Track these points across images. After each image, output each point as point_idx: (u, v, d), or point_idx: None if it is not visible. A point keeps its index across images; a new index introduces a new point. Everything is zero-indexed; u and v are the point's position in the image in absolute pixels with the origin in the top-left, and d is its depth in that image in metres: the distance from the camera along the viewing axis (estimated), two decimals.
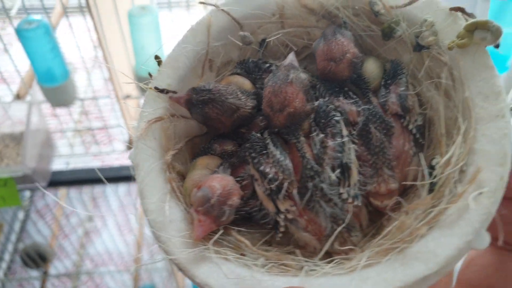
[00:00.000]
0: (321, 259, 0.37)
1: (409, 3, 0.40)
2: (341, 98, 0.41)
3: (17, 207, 1.95)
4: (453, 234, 0.33)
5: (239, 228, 0.40)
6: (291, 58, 0.41)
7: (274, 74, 0.40)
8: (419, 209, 0.36)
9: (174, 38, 0.45)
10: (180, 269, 0.37)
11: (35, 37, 1.35)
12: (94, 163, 2.01)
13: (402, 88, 0.40)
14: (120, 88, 1.48)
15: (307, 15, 0.45)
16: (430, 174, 0.37)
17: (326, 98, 0.41)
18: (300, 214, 0.38)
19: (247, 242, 0.38)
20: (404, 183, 0.39)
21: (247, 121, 0.43)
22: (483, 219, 0.33)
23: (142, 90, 0.44)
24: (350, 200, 0.37)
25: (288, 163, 0.38)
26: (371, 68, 0.43)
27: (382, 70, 0.43)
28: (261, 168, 0.38)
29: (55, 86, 1.47)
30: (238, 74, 0.46)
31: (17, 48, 1.49)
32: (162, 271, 1.91)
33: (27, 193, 2.01)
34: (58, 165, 1.84)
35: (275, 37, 0.46)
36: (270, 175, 0.38)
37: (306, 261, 0.37)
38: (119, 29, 1.39)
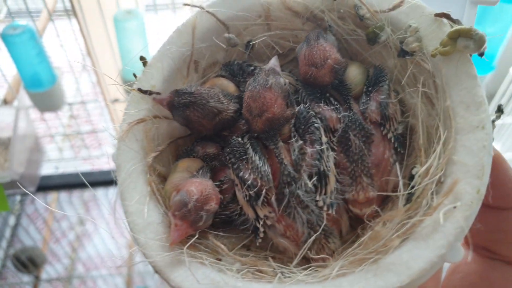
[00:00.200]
0: (299, 265, 0.37)
1: (393, 8, 0.40)
2: (321, 104, 0.41)
3: (7, 212, 1.94)
4: (427, 247, 0.33)
5: (217, 232, 0.40)
6: (273, 62, 0.41)
7: (254, 78, 0.39)
8: (394, 220, 0.36)
9: (160, 41, 0.45)
10: (156, 272, 0.37)
11: (21, 42, 1.35)
12: (83, 167, 2.00)
13: (383, 96, 0.40)
14: (108, 92, 1.48)
15: (292, 17, 0.45)
16: (409, 183, 0.37)
17: (307, 104, 0.41)
18: (278, 220, 0.38)
19: (223, 247, 0.38)
20: (380, 193, 0.39)
21: (229, 125, 0.43)
22: (458, 233, 0.32)
23: (129, 94, 0.44)
24: (325, 208, 0.37)
25: (266, 169, 0.38)
26: (354, 74, 0.42)
27: (366, 76, 0.42)
28: (241, 174, 0.38)
29: (42, 91, 1.47)
30: (222, 76, 0.45)
31: (2, 53, 1.49)
32: (155, 274, 1.90)
33: (18, 198, 2.00)
34: (47, 169, 1.83)
35: (260, 40, 0.46)
36: (249, 181, 0.38)
37: (281, 267, 0.37)
38: (106, 33, 1.39)
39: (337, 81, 0.41)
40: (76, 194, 2.07)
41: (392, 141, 0.39)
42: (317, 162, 0.37)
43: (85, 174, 1.81)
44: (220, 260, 0.38)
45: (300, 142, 0.38)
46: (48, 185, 1.74)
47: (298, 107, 0.40)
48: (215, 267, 0.36)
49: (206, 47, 0.45)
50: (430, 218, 0.33)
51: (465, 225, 0.33)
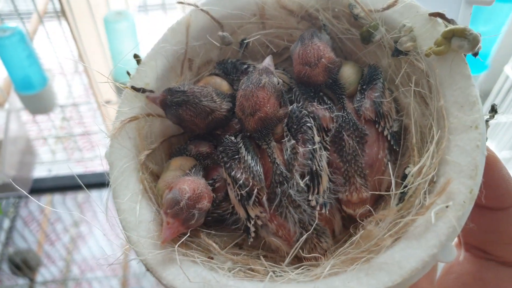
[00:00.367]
0: (291, 264, 0.37)
1: (388, 7, 0.40)
2: (315, 104, 0.41)
3: (1, 216, 1.94)
4: (419, 247, 0.33)
5: (209, 231, 0.40)
6: (267, 61, 0.41)
7: (248, 77, 0.39)
8: (387, 219, 0.35)
9: (152, 42, 0.45)
10: (148, 270, 0.37)
11: (10, 44, 1.34)
12: (77, 169, 1.99)
13: (377, 94, 0.40)
14: (100, 93, 1.47)
15: (287, 16, 0.45)
16: (402, 183, 0.37)
17: (300, 103, 0.41)
18: (270, 219, 0.38)
19: (215, 245, 0.38)
20: (373, 193, 0.39)
21: (222, 123, 0.43)
22: (450, 232, 0.32)
23: (121, 95, 0.44)
24: (318, 207, 0.37)
25: (258, 168, 0.38)
26: (348, 73, 0.42)
27: (360, 75, 0.42)
28: (233, 173, 0.38)
29: (33, 93, 1.46)
30: (216, 75, 0.45)
31: None
32: (151, 276, 1.90)
33: (12, 201, 1.99)
34: (40, 172, 1.82)
35: (255, 38, 0.46)
36: (241, 181, 0.38)
37: (273, 266, 0.37)
38: (96, 34, 1.38)
39: (331, 80, 0.41)
40: (69, 196, 2.07)
41: (389, 138, 0.39)
42: (309, 161, 0.37)
43: (79, 176, 1.80)
44: (212, 258, 0.38)
45: (293, 141, 0.38)
46: (41, 187, 1.73)
47: (291, 106, 0.40)
48: (206, 265, 0.36)
49: (200, 46, 0.45)
50: (422, 218, 0.33)
51: (458, 224, 0.32)
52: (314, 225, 0.37)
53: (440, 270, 0.46)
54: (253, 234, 0.38)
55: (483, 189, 0.34)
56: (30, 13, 1.60)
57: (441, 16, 0.37)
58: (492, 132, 1.39)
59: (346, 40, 0.44)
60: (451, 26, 0.36)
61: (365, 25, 0.41)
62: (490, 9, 1.11)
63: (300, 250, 0.38)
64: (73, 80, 1.89)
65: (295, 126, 0.39)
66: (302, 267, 0.37)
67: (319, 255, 0.38)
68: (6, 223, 1.99)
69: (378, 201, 0.40)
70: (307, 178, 0.37)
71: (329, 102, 0.41)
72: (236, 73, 0.45)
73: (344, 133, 0.39)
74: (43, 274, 1.95)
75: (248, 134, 0.39)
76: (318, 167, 0.37)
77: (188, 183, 0.37)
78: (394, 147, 0.40)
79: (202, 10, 0.44)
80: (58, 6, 1.38)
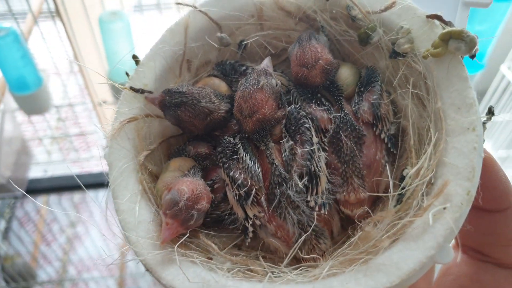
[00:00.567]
0: (289, 265, 0.37)
1: (385, 9, 0.40)
2: (313, 105, 0.41)
3: None
4: (417, 248, 0.33)
5: (208, 231, 0.40)
6: (266, 63, 0.41)
7: (246, 79, 0.39)
8: (385, 221, 0.36)
9: (147, 42, 0.45)
10: (147, 270, 0.37)
11: (4, 45, 1.33)
12: (73, 170, 1.99)
13: (375, 96, 0.40)
14: (95, 94, 1.46)
15: (285, 17, 0.45)
16: (400, 184, 0.37)
17: (298, 104, 0.41)
18: (269, 220, 0.38)
19: (214, 246, 0.38)
20: (371, 194, 0.39)
21: (220, 125, 0.43)
22: (447, 234, 0.33)
23: (117, 96, 0.44)
24: (317, 208, 0.37)
25: (257, 169, 0.38)
26: (346, 75, 0.42)
27: (358, 76, 0.42)
28: (231, 173, 0.38)
29: (28, 94, 1.45)
30: (215, 76, 0.46)
31: None
32: (147, 276, 1.89)
33: (8, 202, 1.99)
34: (36, 172, 1.81)
35: (253, 39, 0.46)
36: (239, 181, 0.38)
37: (272, 267, 0.37)
38: (91, 35, 1.37)
39: (328, 81, 0.41)
40: (65, 197, 2.06)
41: (386, 141, 0.39)
42: (307, 162, 0.38)
43: (74, 177, 1.79)
44: (211, 259, 0.38)
45: (291, 142, 0.38)
46: (37, 188, 1.73)
47: (289, 107, 0.40)
48: (206, 266, 0.36)
49: (199, 47, 0.45)
50: (420, 219, 0.33)
51: (455, 226, 0.33)
52: (313, 226, 0.37)
53: (437, 272, 0.46)
54: (251, 234, 0.39)
55: (480, 191, 0.35)
56: (24, 13, 1.59)
57: (439, 18, 0.37)
58: (488, 131, 1.39)
59: (343, 41, 0.44)
60: (448, 28, 0.36)
61: (362, 27, 0.41)
62: (486, 9, 1.11)
63: (298, 251, 0.38)
64: (68, 80, 1.88)
65: (293, 127, 0.39)
66: (301, 268, 0.37)
67: (317, 256, 0.38)
68: (2, 224, 1.99)
69: (376, 203, 0.41)
70: (305, 179, 0.37)
71: (327, 103, 0.41)
72: (234, 74, 0.45)
73: (342, 133, 0.39)
74: (40, 274, 1.95)
75: (246, 135, 0.39)
76: (316, 168, 0.38)
77: (187, 184, 0.38)
78: (392, 150, 0.40)
79: (200, 11, 0.44)
80: (52, 6, 1.37)
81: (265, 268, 0.37)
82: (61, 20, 1.30)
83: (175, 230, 0.36)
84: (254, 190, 0.37)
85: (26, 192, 1.53)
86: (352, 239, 0.36)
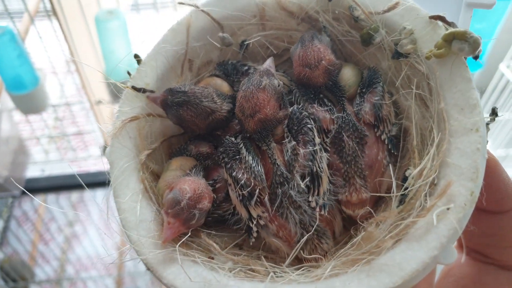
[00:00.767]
0: (291, 265, 0.37)
1: (388, 10, 0.40)
2: (315, 105, 0.41)
3: None
4: (420, 249, 0.33)
5: (209, 231, 0.40)
6: (268, 63, 0.41)
7: (249, 78, 0.39)
8: (387, 221, 0.36)
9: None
10: (149, 269, 0.37)
11: (1, 44, 1.33)
12: (70, 169, 1.99)
13: (377, 97, 0.40)
14: (92, 93, 1.46)
15: (287, 18, 0.45)
16: (403, 185, 0.37)
17: (301, 104, 0.41)
18: (271, 220, 0.38)
19: (215, 245, 0.38)
20: (373, 194, 0.39)
21: (222, 124, 0.43)
22: (451, 235, 0.32)
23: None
24: (317, 209, 0.37)
25: (260, 169, 0.38)
26: (348, 75, 0.42)
27: (360, 77, 0.42)
28: (234, 173, 0.38)
29: (25, 93, 1.44)
30: (216, 75, 0.46)
31: None
32: (146, 275, 1.89)
33: (8, 201, 1.98)
34: (33, 172, 1.81)
35: (255, 39, 0.46)
36: (242, 181, 0.38)
37: (274, 267, 0.37)
38: (88, 33, 1.37)
39: (330, 82, 0.41)
40: (63, 196, 2.06)
41: (386, 142, 0.39)
42: (309, 162, 0.37)
43: (72, 176, 1.79)
44: (212, 258, 0.38)
45: (293, 142, 0.38)
46: (34, 187, 1.72)
47: (292, 107, 0.40)
48: (207, 265, 0.36)
49: (201, 46, 0.45)
50: (423, 220, 0.33)
51: (459, 226, 0.33)
52: (315, 226, 0.37)
53: (438, 273, 0.46)
54: (255, 234, 0.39)
55: (484, 191, 0.34)
56: (21, 12, 1.59)
57: (442, 19, 0.37)
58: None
59: (346, 42, 0.44)
60: (451, 29, 0.36)
61: (365, 27, 0.41)
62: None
63: (300, 251, 0.38)
64: (65, 79, 1.87)
65: (295, 128, 0.39)
66: (303, 268, 0.37)
67: (319, 256, 0.38)
68: (0, 223, 1.98)
69: (378, 203, 0.41)
70: (307, 179, 0.37)
71: (329, 103, 0.41)
72: (236, 74, 0.45)
73: (344, 134, 0.39)
74: (38, 273, 1.95)
75: (248, 135, 0.39)
76: (318, 168, 0.38)
77: (188, 183, 0.38)
78: (392, 151, 0.40)
79: (202, 11, 0.44)
80: (49, 5, 1.36)
81: (267, 268, 0.37)
82: (58, 19, 1.29)
83: (176, 230, 0.36)
84: (257, 190, 0.37)
85: (23, 192, 1.53)
86: (355, 240, 0.36)
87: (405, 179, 0.37)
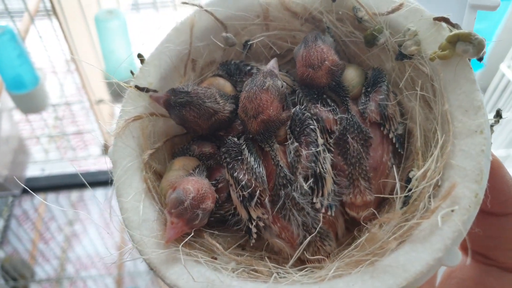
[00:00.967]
0: (294, 266, 0.37)
1: (392, 11, 0.40)
2: (318, 105, 0.41)
3: None
4: (424, 250, 0.32)
5: (212, 231, 0.40)
6: (272, 64, 0.41)
7: (252, 79, 0.39)
8: (391, 222, 0.35)
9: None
10: (151, 269, 0.37)
11: (1, 43, 1.32)
12: (70, 168, 1.99)
13: (382, 96, 0.40)
14: (92, 93, 1.46)
15: (291, 18, 0.45)
16: (406, 186, 0.37)
17: (304, 105, 0.41)
18: (273, 221, 0.38)
19: (218, 245, 0.38)
20: (377, 195, 0.39)
21: (225, 125, 0.43)
22: (455, 236, 0.32)
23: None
24: (323, 210, 0.37)
25: (261, 170, 0.38)
26: (352, 76, 0.42)
27: (363, 78, 0.42)
28: (235, 174, 0.38)
29: (25, 92, 1.44)
30: (220, 76, 0.45)
31: None
32: (145, 275, 1.89)
33: (8, 200, 1.99)
34: (34, 171, 1.81)
35: (258, 40, 0.46)
36: (243, 182, 0.37)
37: (277, 268, 0.37)
38: (88, 33, 1.37)
39: (334, 82, 0.41)
40: (63, 195, 2.06)
41: (394, 141, 0.39)
42: (312, 164, 0.37)
43: (72, 175, 1.79)
44: (215, 259, 0.38)
45: (296, 144, 0.38)
46: (34, 187, 1.72)
47: (294, 108, 0.40)
48: (210, 265, 0.36)
49: (204, 46, 0.45)
50: (427, 221, 0.33)
51: (463, 228, 0.32)
52: (317, 228, 0.37)
53: (440, 275, 0.46)
54: (255, 236, 0.38)
55: (488, 193, 0.34)
56: (21, 12, 1.58)
57: (446, 20, 0.37)
58: None
59: (349, 43, 0.44)
60: (456, 31, 0.36)
61: (369, 28, 0.41)
62: None
63: (303, 253, 0.38)
64: (65, 79, 1.87)
65: (298, 129, 0.39)
66: (306, 269, 0.37)
67: (323, 257, 0.38)
68: (1, 223, 1.99)
69: (381, 204, 0.40)
70: (311, 180, 0.37)
71: (332, 104, 0.41)
72: (239, 74, 0.45)
73: (348, 135, 0.39)
74: (38, 272, 1.95)
75: (251, 136, 0.39)
76: (322, 170, 0.37)
77: (192, 183, 0.37)
78: (399, 150, 0.40)
79: (206, 10, 0.44)
80: (49, 5, 1.36)
81: (270, 268, 0.37)
82: (58, 18, 1.29)
83: (180, 229, 0.36)
84: (258, 191, 0.37)
85: (23, 191, 1.53)
86: (359, 241, 0.36)
87: (408, 180, 0.37)
